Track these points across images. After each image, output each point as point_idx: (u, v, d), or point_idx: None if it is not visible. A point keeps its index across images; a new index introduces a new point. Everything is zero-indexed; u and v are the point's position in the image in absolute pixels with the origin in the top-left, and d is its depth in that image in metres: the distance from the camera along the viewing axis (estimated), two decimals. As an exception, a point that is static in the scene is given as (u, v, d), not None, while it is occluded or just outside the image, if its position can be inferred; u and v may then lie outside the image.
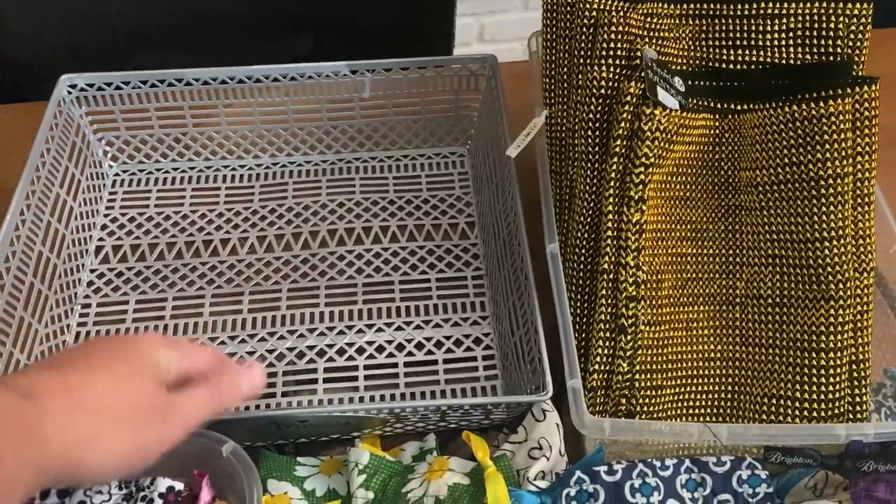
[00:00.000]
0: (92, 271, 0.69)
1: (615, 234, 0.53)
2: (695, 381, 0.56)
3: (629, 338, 0.53)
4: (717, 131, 0.56)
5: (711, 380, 0.56)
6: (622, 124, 0.53)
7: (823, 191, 0.52)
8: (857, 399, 0.53)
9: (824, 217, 0.52)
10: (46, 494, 0.45)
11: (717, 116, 0.56)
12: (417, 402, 0.54)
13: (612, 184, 0.53)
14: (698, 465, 0.49)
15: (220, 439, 0.48)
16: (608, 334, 0.54)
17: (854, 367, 0.53)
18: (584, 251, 0.56)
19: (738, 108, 0.56)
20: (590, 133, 0.55)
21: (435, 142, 0.78)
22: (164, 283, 0.68)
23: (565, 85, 0.61)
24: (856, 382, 0.53)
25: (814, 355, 0.52)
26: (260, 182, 0.76)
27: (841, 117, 0.51)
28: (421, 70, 0.73)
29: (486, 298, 0.67)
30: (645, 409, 0.53)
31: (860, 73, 0.57)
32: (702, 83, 0.58)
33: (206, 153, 0.77)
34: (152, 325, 0.65)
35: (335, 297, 0.67)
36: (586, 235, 0.56)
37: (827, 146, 0.51)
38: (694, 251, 0.56)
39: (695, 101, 0.56)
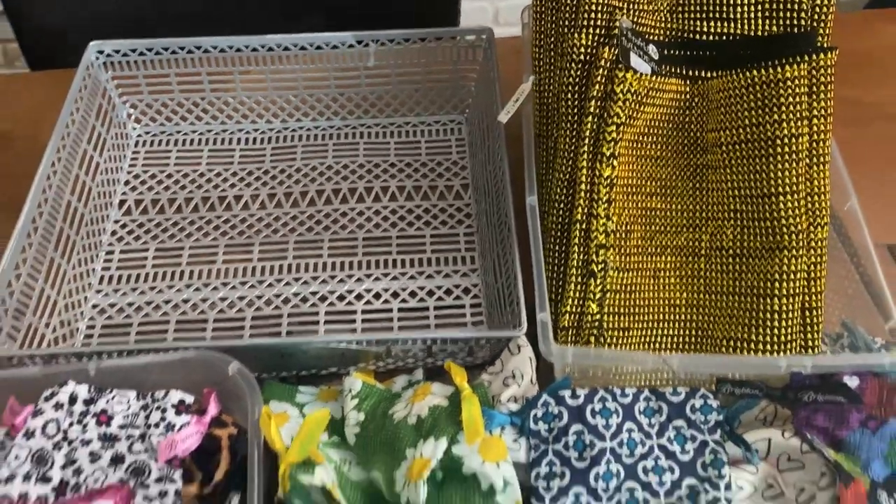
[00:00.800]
0: (115, 222, 0.75)
1: (588, 187, 0.58)
2: (660, 325, 0.61)
3: (598, 282, 0.58)
4: (687, 96, 0.61)
5: (676, 324, 0.61)
6: (596, 86, 0.58)
7: (779, 149, 0.56)
8: (809, 343, 0.58)
9: (780, 173, 0.57)
10: (74, 400, 0.51)
11: (688, 82, 0.61)
12: (405, 333, 0.59)
13: (586, 141, 0.58)
14: (656, 395, 0.54)
15: (226, 360, 0.54)
16: (579, 279, 0.59)
17: (807, 313, 0.58)
18: (562, 205, 0.61)
19: (708, 75, 0.61)
20: (569, 96, 0.60)
21: (435, 110, 0.84)
22: (181, 234, 0.74)
23: (552, 53, 0.66)
24: (808, 328, 0.58)
25: (768, 301, 0.57)
26: (271, 145, 0.82)
27: (797, 81, 0.56)
28: (422, 41, 0.79)
29: (475, 253, 0.73)
30: (612, 348, 0.59)
31: (824, 45, 0.61)
32: (676, 52, 0.62)
33: (222, 117, 0.83)
34: (170, 270, 0.71)
35: (337, 249, 0.73)
36: (565, 190, 0.61)
37: (783, 108, 0.56)
38: (662, 206, 0.61)
39: (668, 69, 0.61)
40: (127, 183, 0.78)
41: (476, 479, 0.51)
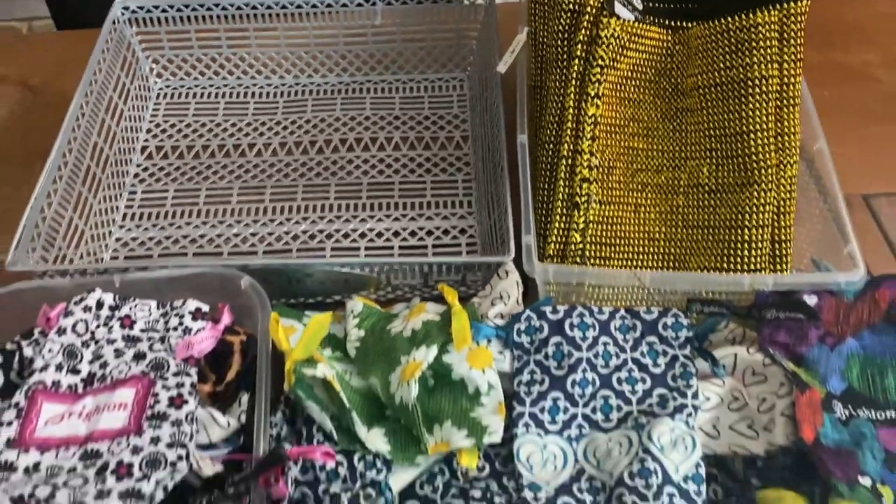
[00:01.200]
0: (138, 165, 0.81)
1: (574, 125, 0.63)
2: (640, 256, 0.65)
3: (581, 213, 0.63)
4: (669, 44, 0.66)
5: (654, 256, 0.65)
6: (583, 31, 0.62)
7: (750, 90, 0.61)
8: (778, 273, 0.62)
9: (750, 112, 0.61)
10: (101, 305, 0.56)
11: (669, 32, 0.65)
12: (404, 259, 0.64)
13: (572, 83, 0.63)
14: (631, 314, 0.59)
15: (239, 275, 0.59)
16: (564, 211, 0.63)
17: (776, 245, 0.62)
18: (551, 144, 0.66)
19: (688, 25, 0.65)
20: (559, 42, 0.65)
21: (438, 67, 0.89)
22: (198, 177, 0.80)
23: (545, 6, 0.70)
24: (777, 259, 0.62)
25: (739, 231, 0.62)
26: (283, 98, 0.87)
27: (768, 27, 0.60)
28: (426, 1, 0.83)
29: (472, 198, 0.77)
30: (594, 275, 0.63)
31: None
32: (659, 5, 0.67)
33: (238, 72, 0.88)
34: (188, 209, 0.77)
35: (343, 193, 0.78)
36: (554, 130, 0.66)
37: (754, 51, 0.60)
38: (644, 146, 0.66)
39: (651, 18, 0.66)
40: (149, 131, 0.84)
41: (463, 383, 0.57)
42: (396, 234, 0.75)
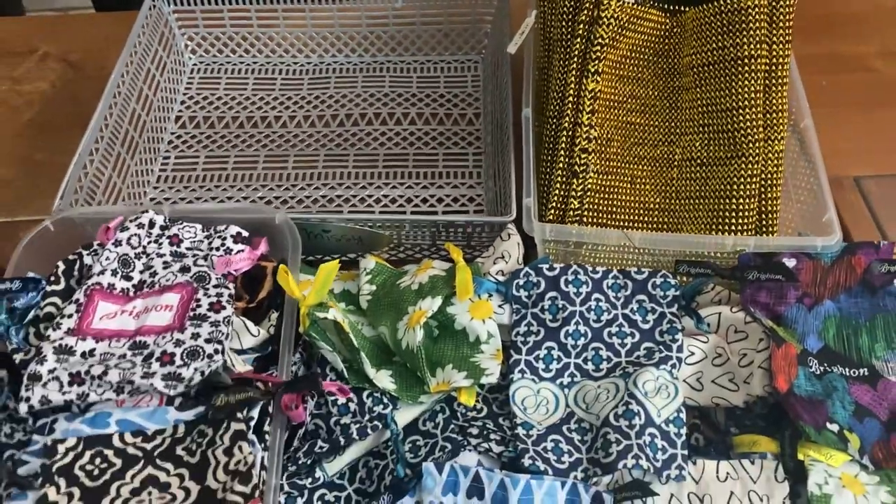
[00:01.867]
0: (172, 133, 0.87)
1: (575, 98, 0.68)
2: (635, 225, 0.70)
3: (580, 182, 0.68)
4: (667, 27, 0.70)
5: (649, 225, 0.70)
6: (585, 12, 0.67)
7: (740, 67, 0.65)
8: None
9: (740, 88, 0.65)
10: (153, 225, 0.62)
11: (668, 15, 0.70)
12: (413, 216, 0.69)
13: (574, 59, 0.68)
14: (623, 273, 0.64)
15: (274, 210, 0.65)
16: (564, 179, 0.68)
17: (763, 216, 0.67)
18: (554, 119, 0.70)
19: (685, 9, 0.70)
20: (563, 22, 0.70)
21: (454, 49, 0.94)
22: (227, 145, 0.85)
23: (553, -8, 0.75)
24: (763, 228, 0.67)
25: (728, 201, 0.66)
26: (308, 76, 0.93)
27: (758, 10, 0.64)
28: (443, -16, 0.89)
29: (481, 170, 0.82)
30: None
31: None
32: (660, -10, 0.71)
33: (267, 51, 0.94)
34: (216, 173, 0.83)
35: (361, 162, 0.83)
36: (557, 104, 0.70)
37: (744, 32, 0.65)
38: (641, 121, 0.70)
39: (650, 2, 0.70)
40: (183, 102, 0.90)
41: (465, 332, 0.62)
42: (409, 200, 0.80)
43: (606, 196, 0.69)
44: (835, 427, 0.56)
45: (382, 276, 0.68)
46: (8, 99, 0.92)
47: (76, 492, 0.50)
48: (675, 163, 0.70)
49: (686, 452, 0.56)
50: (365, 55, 0.94)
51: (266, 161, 0.84)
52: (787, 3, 0.65)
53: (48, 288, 0.61)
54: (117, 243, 0.61)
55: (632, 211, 0.70)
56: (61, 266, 0.62)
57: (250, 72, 0.93)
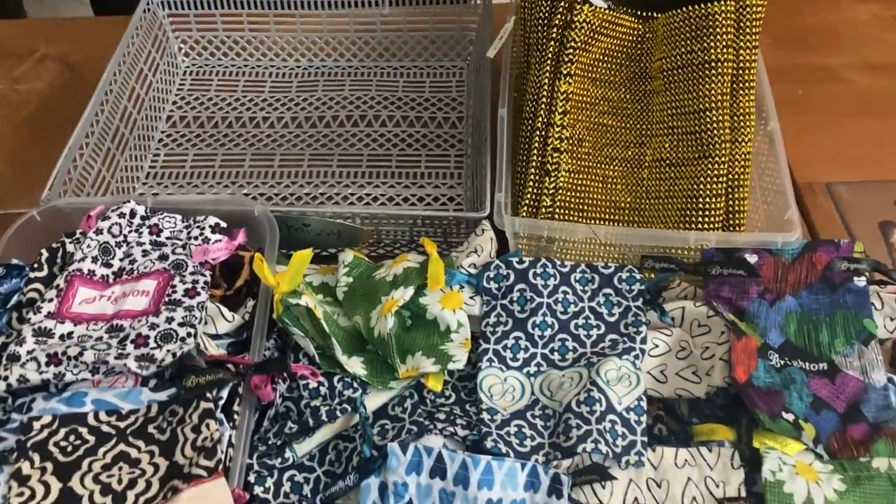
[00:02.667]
0: (163, 132, 0.89)
1: (548, 99, 0.70)
2: (606, 223, 0.71)
3: (552, 180, 0.70)
4: (639, 32, 0.72)
5: (620, 224, 0.72)
6: (558, 16, 0.69)
7: (708, 71, 0.67)
8: (730, 240, 0.68)
9: (707, 91, 0.67)
10: (134, 214, 0.64)
11: (640, 21, 0.72)
12: (390, 210, 0.71)
13: (548, 62, 0.70)
14: (591, 268, 0.66)
15: (253, 203, 0.67)
16: (537, 178, 0.70)
17: (729, 215, 0.68)
18: (529, 118, 0.73)
19: (657, 15, 0.72)
20: (539, 27, 0.72)
21: (440, 56, 0.96)
22: (216, 144, 0.88)
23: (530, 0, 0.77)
24: (730, 227, 0.68)
25: (695, 200, 0.68)
26: (297, 80, 0.95)
27: (724, 15, 0.67)
28: (430, -6, 0.92)
29: (462, 170, 0.85)
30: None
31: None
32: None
33: (258, 54, 0.96)
34: (204, 171, 0.85)
35: (345, 162, 0.86)
36: (532, 106, 0.72)
37: (712, 36, 0.67)
38: (613, 123, 0.73)
39: (623, 9, 0.72)
40: (174, 103, 0.92)
41: (436, 322, 0.63)
42: (391, 199, 0.82)
43: (578, 194, 0.71)
44: (790, 416, 0.57)
45: (359, 268, 0.70)
46: (6, 97, 0.94)
47: (49, 466, 0.52)
48: (646, 163, 0.72)
49: (645, 439, 0.58)
50: (353, 60, 0.97)
51: (253, 159, 0.86)
52: (755, 9, 0.68)
53: (31, 275, 0.63)
54: (98, 231, 0.64)
55: (603, 209, 0.72)
56: (45, 254, 0.64)
57: (241, 74, 0.96)
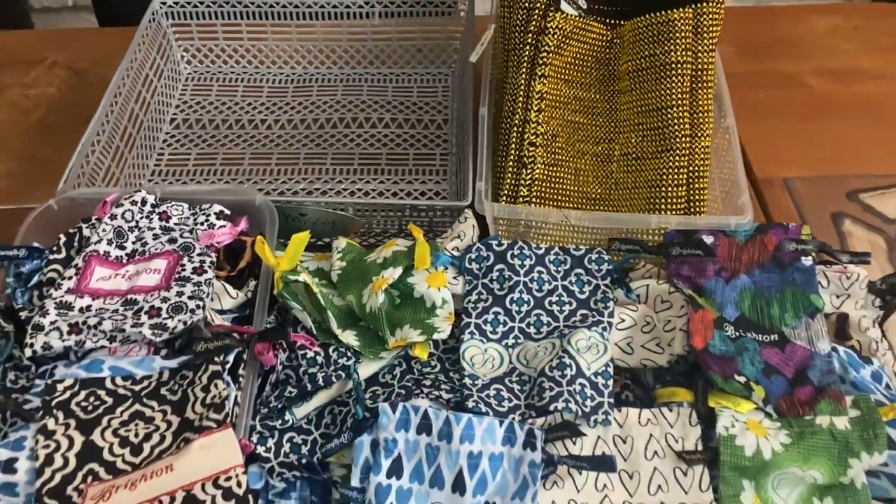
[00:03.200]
0: (167, 133, 0.95)
1: (525, 99, 0.77)
2: (577, 211, 0.78)
3: (528, 172, 0.76)
4: (607, 38, 0.79)
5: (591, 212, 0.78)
6: (533, 23, 0.76)
7: (669, 71, 0.74)
8: (691, 227, 0.75)
9: (668, 90, 0.74)
10: (145, 203, 0.70)
11: (608, 28, 0.79)
12: (379, 200, 0.77)
13: (524, 64, 0.77)
14: (563, 250, 0.72)
15: (254, 192, 0.73)
16: (514, 170, 0.77)
17: (690, 203, 0.75)
18: (507, 116, 0.79)
19: (623, 23, 0.79)
20: (517, 33, 0.79)
21: (427, 63, 1.03)
22: (217, 144, 0.94)
23: (508, 6, 0.84)
24: (691, 214, 0.75)
25: (658, 190, 0.75)
26: (293, 85, 1.02)
27: (683, 22, 0.74)
28: (417, 3, 0.98)
29: (447, 167, 0.91)
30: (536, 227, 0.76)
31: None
32: (600, 6, 0.80)
33: (256, 62, 1.03)
34: (206, 168, 0.91)
35: (339, 160, 0.92)
36: (510, 104, 0.79)
37: (672, 40, 0.74)
38: (584, 121, 0.79)
39: (593, 17, 0.79)
40: (177, 106, 0.99)
41: (423, 299, 0.69)
42: (381, 193, 0.88)
43: (552, 185, 0.77)
44: (742, 378, 0.64)
45: (352, 254, 0.76)
46: (17, 101, 1.00)
47: (72, 422, 0.58)
48: (614, 158, 0.79)
49: (612, 401, 0.64)
50: (345, 67, 1.03)
51: (252, 158, 0.92)
52: (712, 16, 0.75)
53: (51, 256, 0.68)
54: (113, 217, 0.69)
55: (575, 199, 0.78)
56: (62, 238, 0.70)
57: (240, 80, 1.02)
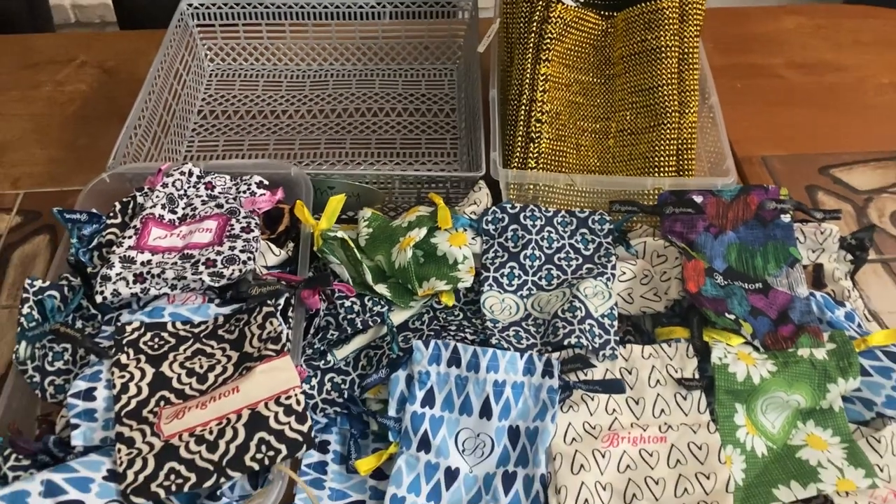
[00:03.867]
0: (196, 123, 1.03)
1: (531, 80, 0.85)
2: (580, 182, 0.86)
3: (535, 147, 0.85)
4: (603, 27, 0.89)
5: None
6: (537, 13, 0.85)
7: (658, 55, 0.83)
8: (682, 193, 0.84)
9: (658, 71, 0.83)
10: (191, 174, 0.77)
11: (603, 18, 0.88)
12: (400, 172, 0.85)
13: (530, 51, 0.86)
14: (569, 213, 0.80)
15: (288, 165, 0.80)
16: (523, 145, 0.85)
17: (680, 172, 0.84)
18: (515, 97, 0.88)
19: (616, 14, 0.88)
20: (521, 23, 0.88)
21: (433, 59, 1.12)
22: (242, 132, 1.02)
23: (513, 4, 0.93)
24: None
25: (652, 160, 0.83)
26: (310, 80, 1.10)
27: (670, 10, 0.83)
28: (424, 4, 1.07)
29: (457, 150, 0.99)
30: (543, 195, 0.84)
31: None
32: (596, 1, 0.90)
33: (274, 59, 1.11)
34: (233, 154, 0.98)
35: (357, 145, 1.00)
36: (517, 86, 0.87)
37: (660, 27, 0.83)
38: (584, 101, 0.88)
39: (590, 9, 0.89)
40: (203, 100, 1.06)
41: (445, 257, 0.77)
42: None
43: (556, 159, 0.86)
44: (732, 316, 0.72)
45: (378, 221, 0.84)
46: (53, 97, 1.07)
47: (142, 357, 0.64)
48: (612, 134, 0.88)
49: (618, 338, 0.72)
50: (358, 63, 1.12)
51: (276, 144, 1.00)
52: (696, 5, 0.84)
53: (108, 221, 0.75)
54: (164, 185, 0.77)
55: (577, 171, 0.87)
56: (118, 205, 0.77)
57: (260, 76, 1.10)
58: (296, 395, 0.61)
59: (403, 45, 1.11)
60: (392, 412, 0.68)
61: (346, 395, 0.70)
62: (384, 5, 1.07)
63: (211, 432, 0.59)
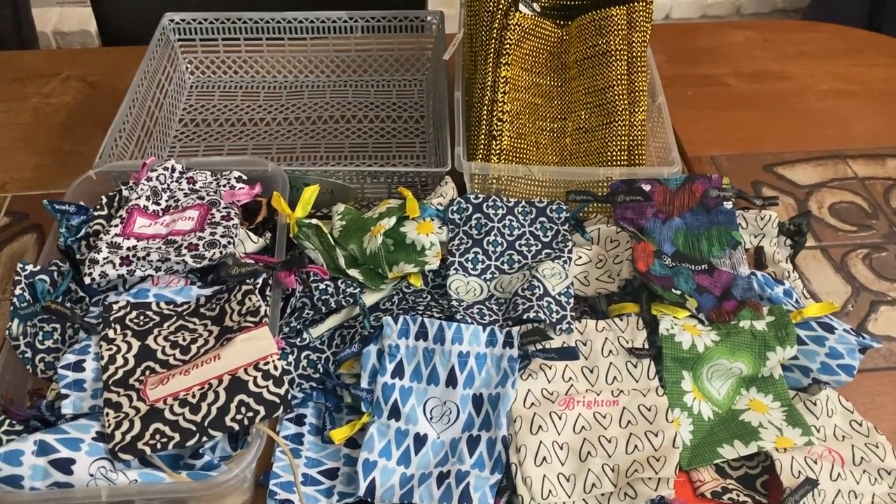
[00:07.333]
0: (177, 130, 1.08)
1: (492, 83, 0.92)
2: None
3: (497, 143, 0.91)
4: (558, 34, 0.96)
5: (549, 180, 0.93)
6: (497, 20, 0.92)
7: (608, 58, 0.90)
8: (634, 186, 0.90)
9: (607, 73, 0.90)
10: (174, 170, 0.82)
11: (558, 26, 0.96)
12: (372, 168, 0.91)
13: (491, 54, 0.92)
14: (529, 203, 0.86)
15: (265, 162, 0.86)
16: (485, 143, 0.91)
17: (632, 166, 0.90)
18: (478, 98, 0.94)
19: (569, 23, 0.96)
20: (484, 31, 0.95)
21: (403, 70, 1.18)
22: (222, 139, 1.07)
23: (475, 10, 1.00)
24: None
25: (605, 155, 0.90)
26: (286, 90, 1.16)
27: (618, 17, 0.90)
28: (394, 19, 1.14)
29: (426, 152, 1.05)
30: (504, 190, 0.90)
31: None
32: (552, 11, 0.97)
33: (252, 72, 1.17)
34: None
35: (331, 149, 1.06)
36: (480, 88, 0.94)
37: (609, 33, 0.90)
38: (542, 102, 0.95)
39: (546, 17, 0.96)
40: (184, 109, 1.12)
41: (414, 244, 0.82)
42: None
43: (517, 156, 0.92)
44: (678, 291, 0.78)
45: (350, 215, 0.89)
46: (39, 108, 1.12)
47: (128, 332, 0.69)
48: (569, 132, 0.94)
49: (574, 314, 0.77)
50: (332, 75, 1.18)
51: (254, 149, 1.05)
52: (643, 12, 0.91)
53: (95, 213, 0.80)
54: (149, 179, 0.82)
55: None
56: (104, 199, 0.81)
57: (239, 87, 1.16)
58: (273, 360, 0.65)
59: (375, 58, 1.17)
60: (364, 384, 0.73)
61: (321, 371, 0.75)
62: (356, 20, 1.14)
63: (194, 396, 0.63)
